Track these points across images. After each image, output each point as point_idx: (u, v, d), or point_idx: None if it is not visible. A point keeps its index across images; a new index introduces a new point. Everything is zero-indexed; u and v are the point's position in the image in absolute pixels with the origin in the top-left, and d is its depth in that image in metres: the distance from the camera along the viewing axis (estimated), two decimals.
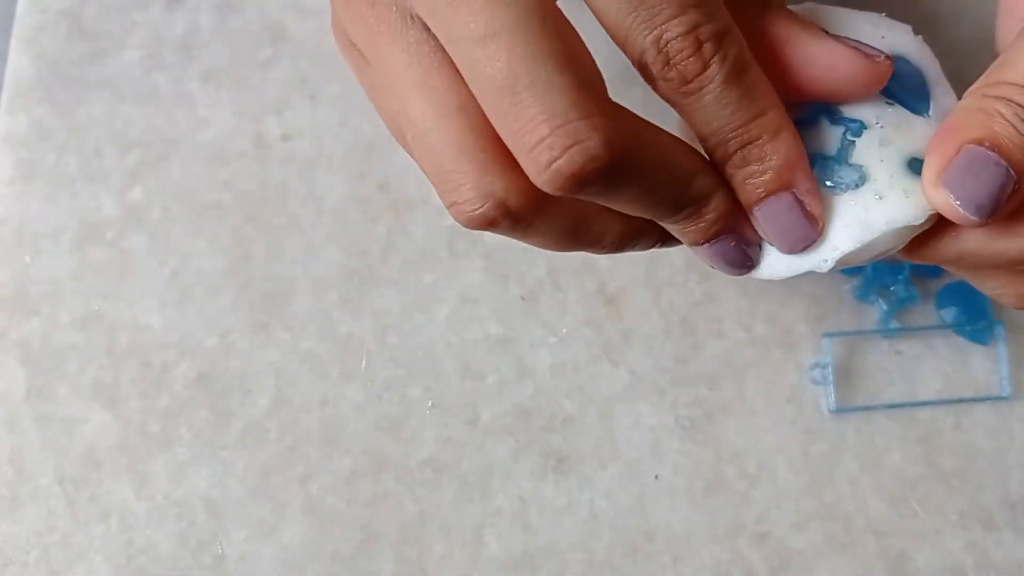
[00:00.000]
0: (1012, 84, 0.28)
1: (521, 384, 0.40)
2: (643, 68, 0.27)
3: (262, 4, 0.43)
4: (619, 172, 0.26)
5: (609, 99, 0.26)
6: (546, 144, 0.25)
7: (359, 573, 0.38)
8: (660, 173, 0.27)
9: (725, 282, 0.40)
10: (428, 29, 0.27)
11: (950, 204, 0.28)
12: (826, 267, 0.29)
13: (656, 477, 0.39)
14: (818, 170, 0.29)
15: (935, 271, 0.40)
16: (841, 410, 0.39)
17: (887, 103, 0.30)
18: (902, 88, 0.30)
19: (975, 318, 0.39)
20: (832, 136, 0.29)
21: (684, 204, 0.28)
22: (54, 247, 0.41)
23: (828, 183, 0.29)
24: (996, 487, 0.38)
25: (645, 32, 0.26)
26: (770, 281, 0.30)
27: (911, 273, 0.40)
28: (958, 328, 0.40)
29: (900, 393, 0.39)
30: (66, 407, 0.39)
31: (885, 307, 0.40)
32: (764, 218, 0.29)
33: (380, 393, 0.40)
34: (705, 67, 0.27)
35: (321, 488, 0.39)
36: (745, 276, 0.30)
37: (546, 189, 0.26)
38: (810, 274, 0.29)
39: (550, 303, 0.40)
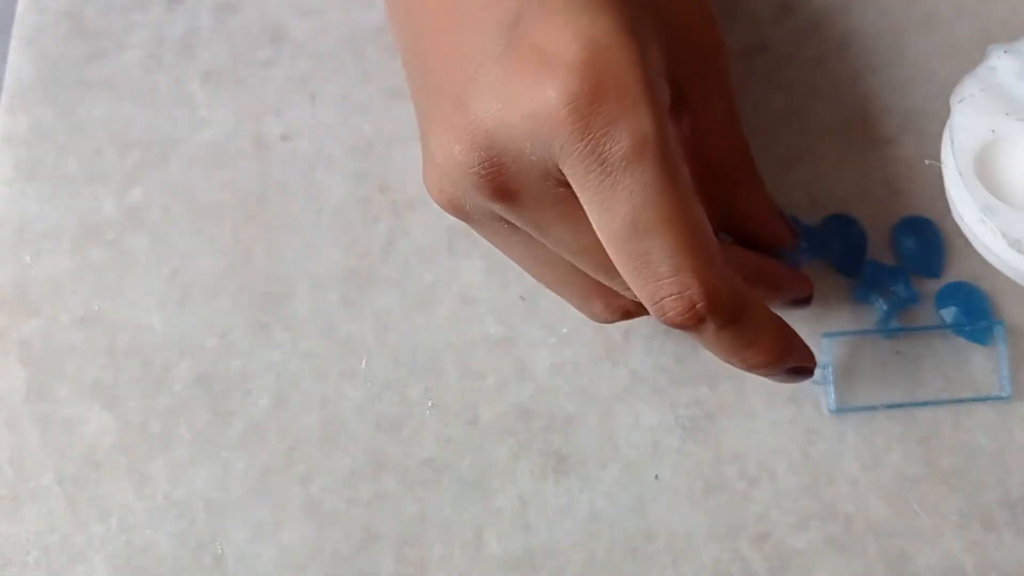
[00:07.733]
0: None
1: (521, 384, 0.39)
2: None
3: (262, 4, 0.43)
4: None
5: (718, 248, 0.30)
6: (666, 303, 0.29)
7: (359, 573, 0.38)
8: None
9: None
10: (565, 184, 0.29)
11: None
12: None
13: (656, 477, 0.39)
14: None
15: (935, 271, 0.40)
16: (841, 410, 0.39)
17: None
18: None
19: (975, 318, 0.39)
20: None
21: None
22: (54, 247, 0.41)
23: None
24: (996, 487, 0.38)
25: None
26: None
27: (911, 273, 0.40)
28: (958, 328, 0.40)
29: (900, 393, 0.39)
30: (66, 407, 0.39)
31: (885, 307, 0.40)
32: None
33: (380, 393, 0.40)
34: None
35: (321, 488, 0.39)
36: None
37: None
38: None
39: (550, 303, 0.40)
